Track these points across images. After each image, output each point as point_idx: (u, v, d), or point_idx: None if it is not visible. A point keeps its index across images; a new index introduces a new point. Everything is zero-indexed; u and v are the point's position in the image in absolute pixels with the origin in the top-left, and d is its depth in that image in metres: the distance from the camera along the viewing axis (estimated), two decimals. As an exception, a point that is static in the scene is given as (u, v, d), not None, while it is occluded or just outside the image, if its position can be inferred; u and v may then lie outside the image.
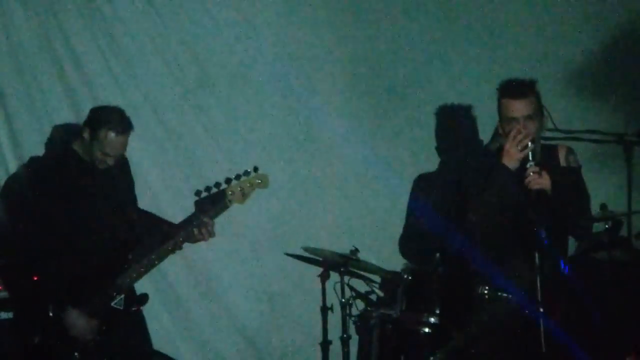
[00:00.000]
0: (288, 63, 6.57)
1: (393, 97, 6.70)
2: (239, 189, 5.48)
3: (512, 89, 5.10)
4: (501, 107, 5.13)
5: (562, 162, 5.20)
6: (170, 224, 5.63)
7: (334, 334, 6.14)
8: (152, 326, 5.78)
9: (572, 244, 5.57)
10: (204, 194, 5.42)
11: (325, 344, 6.18)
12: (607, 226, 5.89)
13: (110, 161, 5.39)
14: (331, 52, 6.63)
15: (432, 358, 5.46)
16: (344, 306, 6.03)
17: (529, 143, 4.96)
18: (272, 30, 6.54)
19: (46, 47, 6.12)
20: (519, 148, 4.96)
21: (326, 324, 6.16)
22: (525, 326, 4.97)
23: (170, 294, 6.37)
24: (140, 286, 5.56)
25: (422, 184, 6.49)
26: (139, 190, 5.87)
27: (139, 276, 5.44)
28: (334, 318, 6.13)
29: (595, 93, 6.72)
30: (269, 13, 6.54)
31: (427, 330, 5.52)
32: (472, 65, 6.71)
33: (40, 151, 5.84)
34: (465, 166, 5.51)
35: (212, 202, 5.43)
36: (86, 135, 5.36)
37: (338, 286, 6.03)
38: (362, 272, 6.11)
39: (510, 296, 5.10)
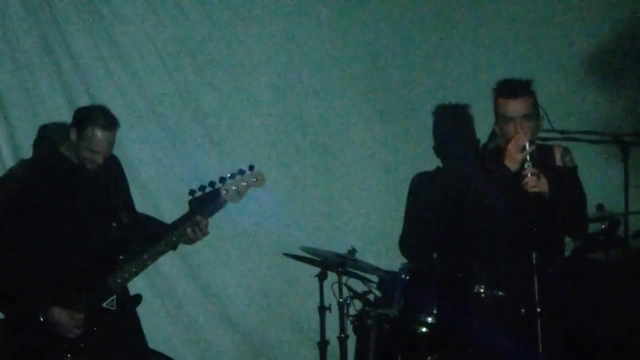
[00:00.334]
0: (287, 63, 6.58)
1: (391, 97, 6.71)
2: (234, 187, 5.46)
3: (508, 88, 5.10)
4: (497, 107, 5.13)
5: (558, 162, 5.20)
6: (163, 225, 5.63)
7: (332, 333, 6.15)
8: (149, 326, 5.77)
9: (568, 244, 5.55)
10: (198, 193, 5.41)
11: (322, 344, 6.19)
12: (603, 226, 5.91)
13: (99, 159, 5.35)
14: (329, 53, 6.63)
15: (429, 358, 5.48)
16: (341, 306, 6.03)
17: (527, 144, 4.96)
18: (270, 31, 6.54)
19: (44, 48, 6.11)
20: (519, 149, 4.96)
21: (324, 324, 6.18)
22: (522, 326, 4.98)
23: (168, 293, 6.37)
24: (138, 286, 5.57)
25: (420, 183, 6.50)
26: (135, 190, 5.86)
27: (131, 277, 5.42)
28: (332, 318, 6.14)
29: (592, 93, 6.73)
30: (267, 13, 6.54)
31: (424, 330, 5.54)
32: (469, 65, 6.71)
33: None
34: (463, 166, 5.51)
35: (206, 201, 5.41)
36: (73, 136, 5.34)
37: (336, 286, 6.03)
38: (359, 272, 6.12)
39: (507, 295, 5.10)
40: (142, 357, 5.63)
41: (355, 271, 6.10)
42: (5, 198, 5.34)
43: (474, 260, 5.23)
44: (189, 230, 5.41)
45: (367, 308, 5.98)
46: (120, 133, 5.61)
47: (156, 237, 5.44)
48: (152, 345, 5.82)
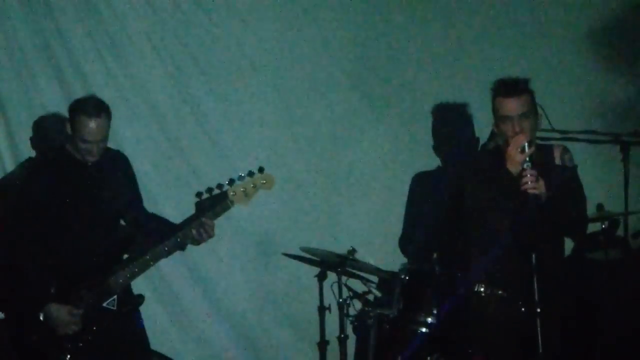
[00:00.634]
0: (287, 63, 6.58)
1: (391, 97, 6.71)
2: (242, 189, 5.44)
3: (506, 87, 5.09)
4: (496, 106, 5.13)
5: (558, 162, 5.19)
6: (172, 225, 5.61)
7: (332, 334, 6.15)
8: (150, 326, 5.76)
9: (567, 244, 5.55)
10: (205, 195, 5.40)
11: (322, 344, 6.19)
12: (603, 226, 5.91)
13: (94, 148, 5.31)
14: (329, 53, 6.63)
15: (429, 358, 5.48)
16: (341, 306, 6.03)
17: (526, 145, 4.95)
18: (269, 30, 6.54)
19: (44, 47, 6.12)
20: (519, 150, 4.96)
21: (323, 324, 6.18)
22: (522, 325, 4.98)
23: (168, 293, 6.37)
24: (138, 285, 5.57)
25: (420, 183, 6.50)
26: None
27: (133, 277, 5.41)
28: (332, 318, 6.15)
29: (591, 92, 6.73)
30: (267, 13, 6.54)
31: (424, 330, 5.53)
32: (469, 65, 6.71)
33: (35, 148, 5.85)
34: (463, 166, 5.51)
35: (213, 203, 5.40)
36: (68, 129, 5.34)
37: (335, 286, 6.03)
38: (359, 272, 6.12)
39: (507, 295, 5.10)
40: (142, 358, 5.62)
41: (354, 271, 6.10)
42: (10, 195, 5.34)
43: (474, 259, 5.23)
44: (194, 231, 5.39)
45: (366, 308, 5.97)
46: (119, 133, 5.63)
47: (160, 238, 5.44)
48: (152, 345, 5.81)
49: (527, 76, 5.18)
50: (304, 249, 6.06)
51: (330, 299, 6.11)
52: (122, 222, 5.65)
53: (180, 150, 6.41)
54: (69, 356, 5.25)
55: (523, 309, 4.99)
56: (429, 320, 5.53)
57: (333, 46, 6.64)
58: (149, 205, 5.90)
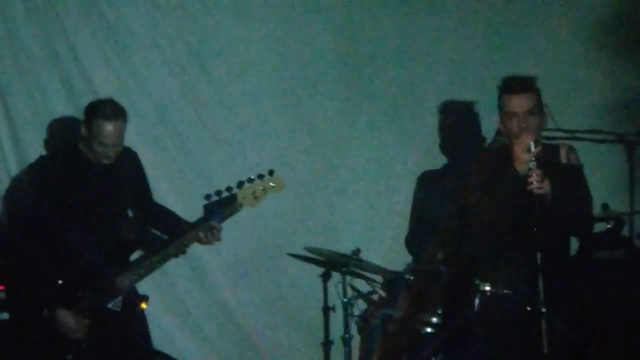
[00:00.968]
0: (291, 62, 6.58)
1: (396, 96, 6.70)
2: (251, 192, 5.45)
3: (512, 84, 5.11)
4: (502, 103, 5.14)
5: (564, 161, 5.20)
6: (180, 221, 5.60)
7: (336, 334, 6.13)
8: (153, 326, 5.77)
9: (573, 244, 5.55)
10: (214, 198, 5.39)
11: (326, 344, 6.17)
12: (608, 226, 5.88)
13: (111, 152, 5.33)
14: (335, 51, 6.63)
15: (434, 358, 5.46)
16: (345, 306, 6.02)
17: (532, 145, 4.95)
18: (274, 30, 6.54)
19: (47, 47, 6.12)
20: (525, 150, 4.95)
21: (328, 324, 6.15)
22: (527, 325, 4.97)
23: (172, 293, 6.37)
24: (142, 286, 5.56)
25: (425, 182, 6.48)
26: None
27: (139, 278, 5.41)
28: (336, 318, 6.13)
29: (597, 92, 6.72)
30: (271, 12, 6.53)
31: (429, 330, 5.52)
32: (474, 63, 6.70)
33: (41, 150, 5.84)
34: (469, 165, 5.51)
35: (222, 206, 5.40)
36: (84, 131, 5.34)
37: (340, 286, 6.02)
38: (364, 272, 6.10)
39: (512, 294, 5.09)
40: (146, 358, 5.61)
41: (359, 271, 6.08)
42: (21, 194, 5.33)
43: (480, 259, 5.22)
44: (201, 234, 5.40)
45: (371, 308, 5.96)
46: (125, 134, 5.61)
47: (167, 240, 5.43)
48: (155, 345, 5.82)
49: (533, 74, 5.19)
50: (308, 249, 6.04)
51: (334, 299, 6.09)
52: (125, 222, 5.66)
53: (186, 152, 6.41)
54: (71, 356, 5.24)
55: (528, 309, 4.98)
56: (434, 320, 5.52)
57: (338, 45, 6.63)
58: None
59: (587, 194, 5.20)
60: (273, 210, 6.41)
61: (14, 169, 5.93)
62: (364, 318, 6.00)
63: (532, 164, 4.96)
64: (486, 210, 5.14)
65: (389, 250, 6.53)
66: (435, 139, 6.58)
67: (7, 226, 5.32)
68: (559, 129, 5.28)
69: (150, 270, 5.40)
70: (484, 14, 6.74)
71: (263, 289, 6.57)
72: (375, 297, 6.12)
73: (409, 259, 6.38)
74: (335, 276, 6.08)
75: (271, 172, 5.49)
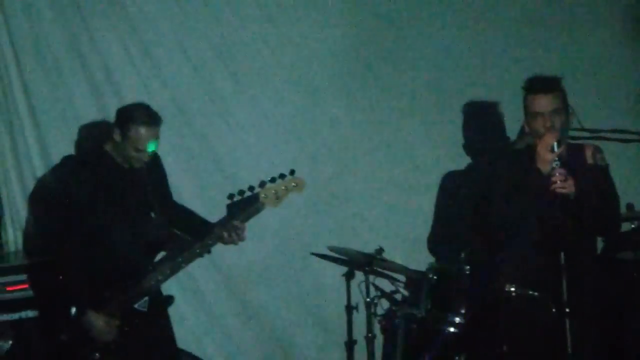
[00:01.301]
0: (313, 61, 6.58)
1: (419, 96, 6.69)
2: (273, 192, 5.46)
3: (537, 84, 5.09)
4: (527, 103, 5.12)
5: (589, 161, 5.17)
6: (203, 221, 5.62)
7: (359, 333, 6.14)
8: (178, 326, 5.79)
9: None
10: (236, 198, 5.41)
11: (350, 343, 6.18)
12: (633, 226, 5.87)
13: (146, 157, 5.37)
14: (357, 53, 6.62)
15: (457, 358, 5.45)
16: (368, 305, 6.02)
17: (556, 144, 4.93)
18: (297, 29, 6.54)
19: (73, 48, 6.14)
20: (548, 149, 4.93)
21: (351, 324, 6.17)
22: (552, 326, 4.95)
23: (196, 293, 6.38)
24: (165, 285, 5.57)
25: (449, 182, 6.48)
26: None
27: (165, 278, 5.42)
28: (359, 317, 6.13)
29: (622, 90, 6.69)
30: (295, 13, 6.54)
31: (452, 329, 5.52)
32: (498, 62, 6.68)
33: (66, 151, 5.86)
34: (493, 165, 5.49)
35: (245, 206, 5.41)
36: (117, 136, 5.34)
37: (363, 285, 6.02)
38: (387, 272, 6.10)
39: (537, 295, 5.07)
40: (172, 358, 5.63)
41: (382, 270, 6.08)
42: (49, 195, 5.35)
43: (504, 259, 5.21)
44: (225, 234, 5.41)
45: (394, 307, 5.96)
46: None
47: (192, 240, 5.45)
48: (180, 345, 5.83)
49: (557, 74, 5.17)
50: (331, 249, 6.05)
51: (357, 299, 6.10)
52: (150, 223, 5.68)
53: (209, 151, 6.42)
54: (98, 355, 5.26)
55: (554, 310, 4.96)
56: (457, 319, 5.51)
57: (361, 45, 6.62)
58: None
59: (614, 194, 5.16)
60: (297, 210, 6.42)
61: (40, 170, 5.95)
62: (387, 317, 6.01)
63: (556, 164, 4.94)
64: (510, 210, 5.12)
65: (412, 249, 6.53)
66: (459, 139, 6.56)
67: (34, 226, 5.34)
68: (584, 129, 5.25)
69: (175, 270, 5.42)
70: (507, 13, 6.72)
71: (287, 289, 6.57)
72: (398, 296, 6.12)
73: (431, 258, 6.38)
74: (359, 275, 6.09)
75: (292, 172, 5.51)
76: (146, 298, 5.38)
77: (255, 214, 5.49)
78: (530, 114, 5.10)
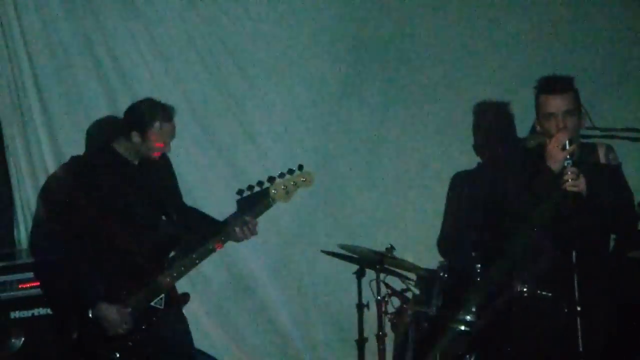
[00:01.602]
0: (325, 59, 6.57)
1: (430, 95, 6.68)
2: (283, 187, 5.47)
3: (550, 84, 5.08)
4: (539, 104, 5.11)
5: (602, 161, 5.17)
6: (213, 221, 5.63)
7: (370, 331, 6.14)
8: (191, 325, 5.79)
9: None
10: (246, 193, 5.42)
11: (361, 341, 6.18)
12: (644, 224, 5.84)
13: (167, 148, 5.41)
14: (368, 50, 6.61)
15: (468, 356, 5.46)
16: (379, 303, 6.01)
17: (567, 143, 4.93)
18: (308, 27, 6.54)
19: (85, 47, 6.16)
20: (560, 148, 4.93)
21: (362, 321, 6.17)
22: (563, 326, 4.95)
23: (208, 292, 6.41)
24: (178, 285, 5.58)
25: (459, 181, 6.46)
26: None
27: (180, 275, 5.43)
28: (370, 316, 6.14)
29: (635, 89, 6.67)
30: (304, 9, 6.53)
31: (463, 328, 5.52)
32: (509, 62, 6.66)
33: (78, 149, 5.87)
34: (504, 165, 5.49)
35: (255, 201, 5.42)
36: (137, 138, 5.34)
37: (374, 283, 6.01)
38: (398, 270, 6.10)
39: (549, 295, 5.07)
40: (188, 357, 5.63)
41: (393, 269, 6.08)
42: (59, 193, 5.35)
43: (516, 258, 5.21)
44: (237, 229, 5.41)
45: (405, 306, 5.96)
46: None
47: (204, 236, 5.45)
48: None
49: (568, 73, 5.16)
50: (342, 247, 6.05)
51: (368, 297, 6.10)
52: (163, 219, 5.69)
53: (219, 148, 6.44)
54: (118, 355, 5.26)
55: (566, 310, 4.96)
56: (469, 318, 5.51)
57: (373, 42, 6.62)
58: (190, 202, 5.92)
59: (628, 192, 5.16)
60: (307, 208, 6.44)
61: (53, 169, 5.95)
62: (397, 315, 6.01)
63: (568, 162, 4.94)
64: (522, 209, 5.12)
65: (423, 248, 6.51)
66: (470, 138, 6.55)
67: (46, 224, 5.34)
68: (596, 127, 5.25)
69: (190, 267, 5.42)
70: (519, 13, 6.69)
71: (297, 287, 6.59)
72: (409, 294, 6.12)
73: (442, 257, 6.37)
74: (369, 274, 6.09)
75: (301, 167, 5.51)
76: (162, 295, 5.38)
77: (266, 209, 5.49)
78: (542, 114, 5.09)
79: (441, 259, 6.27)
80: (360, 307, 6.15)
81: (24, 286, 5.58)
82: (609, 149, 5.20)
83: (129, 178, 5.43)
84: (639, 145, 5.45)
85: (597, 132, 5.22)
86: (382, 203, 6.68)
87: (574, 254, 4.86)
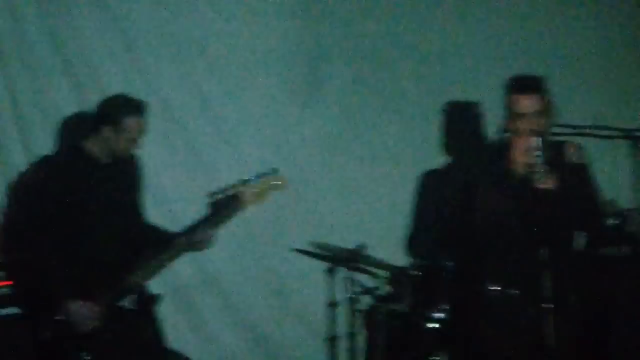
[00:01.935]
0: (297, 58, 6.58)
1: (399, 93, 6.71)
2: (255, 190, 5.45)
3: (521, 84, 5.09)
4: (510, 103, 5.12)
5: (570, 159, 5.20)
6: (171, 235, 5.59)
7: (341, 329, 6.14)
8: (162, 324, 5.78)
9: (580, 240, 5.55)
10: (218, 195, 5.40)
11: (332, 340, 6.19)
12: (615, 222, 5.90)
13: (138, 144, 5.37)
14: (339, 49, 6.63)
15: (439, 354, 5.48)
16: (351, 302, 6.03)
17: (537, 142, 4.95)
18: (280, 25, 6.54)
19: (55, 43, 6.11)
20: (529, 147, 4.95)
21: (333, 320, 6.17)
22: (533, 324, 4.97)
23: (179, 291, 6.37)
24: (148, 284, 5.56)
25: (428, 180, 6.46)
26: (149, 192, 5.83)
27: (150, 275, 5.39)
28: (342, 314, 6.14)
29: (602, 88, 6.72)
30: (276, 7, 6.53)
31: (434, 326, 5.53)
32: (478, 61, 6.70)
33: (49, 149, 5.83)
34: (473, 164, 5.50)
35: (226, 204, 5.40)
36: (107, 133, 5.31)
37: (345, 281, 6.02)
38: (369, 268, 6.11)
39: (519, 293, 5.10)
40: (160, 357, 5.61)
41: (365, 267, 6.09)
42: (28, 193, 5.32)
43: (485, 257, 5.22)
44: (196, 241, 5.39)
45: (376, 304, 5.98)
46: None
47: (175, 237, 5.43)
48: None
49: (537, 72, 5.19)
50: (313, 244, 6.06)
51: (340, 295, 6.10)
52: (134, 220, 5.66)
53: (191, 148, 6.42)
54: (89, 356, 5.22)
55: (536, 308, 4.98)
56: (440, 316, 5.53)
57: (343, 42, 6.63)
58: (162, 204, 5.91)
59: (596, 190, 5.19)
60: (279, 206, 6.40)
61: (22, 166, 5.89)
62: (369, 313, 6.01)
63: (538, 160, 4.96)
64: (491, 207, 5.14)
65: (394, 245, 6.51)
66: (440, 137, 6.56)
67: (15, 223, 5.30)
68: (566, 125, 5.28)
69: (160, 267, 5.39)
70: (489, 13, 6.72)
71: (268, 285, 6.59)
72: (380, 292, 6.13)
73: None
74: (341, 271, 6.09)
75: (274, 170, 5.49)
76: (133, 296, 5.36)
77: (237, 212, 5.47)
78: (513, 114, 5.10)
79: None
80: (332, 305, 6.15)
81: (-5, 285, 5.54)
82: (577, 146, 5.23)
83: (98, 177, 5.39)
84: (607, 142, 5.50)
85: (566, 130, 5.25)
86: (354, 201, 6.70)
87: (543, 251, 4.89)
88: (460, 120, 6.56)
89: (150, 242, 5.51)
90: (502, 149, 5.23)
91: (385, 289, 6.16)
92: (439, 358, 5.48)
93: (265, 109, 6.55)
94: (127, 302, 5.34)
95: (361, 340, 6.15)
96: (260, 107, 6.54)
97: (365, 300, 6.09)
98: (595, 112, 6.34)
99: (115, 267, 5.32)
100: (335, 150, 6.68)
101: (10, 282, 5.47)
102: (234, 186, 5.43)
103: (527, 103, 5.05)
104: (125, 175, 5.52)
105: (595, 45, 6.74)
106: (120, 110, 5.30)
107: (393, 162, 6.72)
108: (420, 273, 5.68)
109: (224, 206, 5.40)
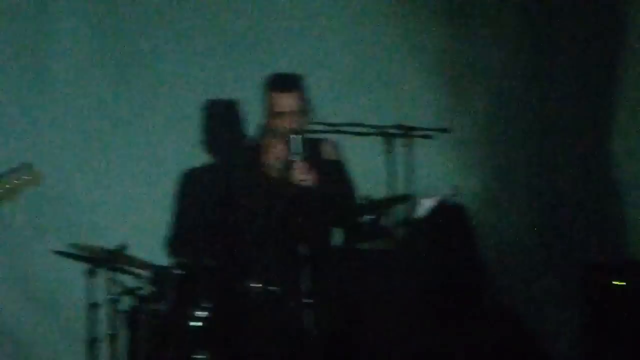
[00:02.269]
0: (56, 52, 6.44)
1: (159, 90, 6.66)
2: (7, 186, 5.26)
3: (280, 82, 5.16)
4: (269, 101, 5.19)
5: (326, 156, 5.32)
6: None
7: (102, 331, 6.05)
8: None
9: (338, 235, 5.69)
10: None
11: (92, 342, 6.07)
12: (370, 217, 6.06)
13: None
14: (100, 44, 6.55)
15: (202, 353, 5.48)
16: (111, 303, 5.94)
17: (292, 138, 5.03)
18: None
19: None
20: (285, 144, 5.03)
21: (93, 322, 6.06)
22: (293, 320, 5.05)
23: None
24: None
25: (187, 180, 6.45)
26: None
27: None
28: (103, 315, 6.05)
29: (358, 86, 6.90)
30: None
31: (197, 324, 5.54)
32: (237, 59, 6.74)
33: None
34: (231, 162, 5.54)
35: None
36: None
37: (106, 282, 5.93)
38: (130, 268, 6.04)
39: (279, 290, 5.17)
40: None
41: (126, 267, 6.01)
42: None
43: (245, 255, 5.27)
44: None
45: (138, 304, 5.92)
46: None
47: None
48: None
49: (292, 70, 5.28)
50: (72, 245, 5.93)
51: (100, 296, 6.00)
52: None
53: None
54: None
55: (296, 304, 5.07)
56: (202, 314, 5.54)
57: (108, 37, 6.55)
58: None
59: (350, 186, 5.33)
60: (36, 207, 6.29)
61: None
62: (130, 314, 5.94)
63: (296, 157, 5.05)
64: (250, 205, 5.19)
65: (155, 245, 6.48)
66: (200, 135, 6.58)
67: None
68: (322, 123, 5.38)
69: None
70: (248, 10, 6.78)
71: (25, 289, 6.42)
72: (143, 292, 6.07)
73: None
74: (101, 272, 5.99)
75: (27, 166, 5.32)
76: None
77: None
78: (271, 113, 5.16)
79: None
80: (92, 307, 6.04)
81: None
82: (332, 144, 5.36)
83: None
84: (362, 139, 5.65)
85: (322, 128, 5.36)
86: (114, 200, 6.60)
87: (302, 247, 4.98)
88: (219, 118, 6.58)
89: None
90: (261, 147, 5.28)
91: (148, 288, 6.12)
92: (201, 357, 5.47)
93: (18, 103, 6.39)
94: None
95: (123, 341, 6.09)
96: (12, 101, 6.37)
97: (127, 301, 6.02)
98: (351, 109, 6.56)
99: None
100: (95, 148, 6.57)
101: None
102: (-18, 183, 5.23)
103: (286, 102, 5.14)
104: None
105: (352, 44, 6.90)
106: None
107: (154, 161, 6.66)
108: (182, 272, 5.65)
109: None
